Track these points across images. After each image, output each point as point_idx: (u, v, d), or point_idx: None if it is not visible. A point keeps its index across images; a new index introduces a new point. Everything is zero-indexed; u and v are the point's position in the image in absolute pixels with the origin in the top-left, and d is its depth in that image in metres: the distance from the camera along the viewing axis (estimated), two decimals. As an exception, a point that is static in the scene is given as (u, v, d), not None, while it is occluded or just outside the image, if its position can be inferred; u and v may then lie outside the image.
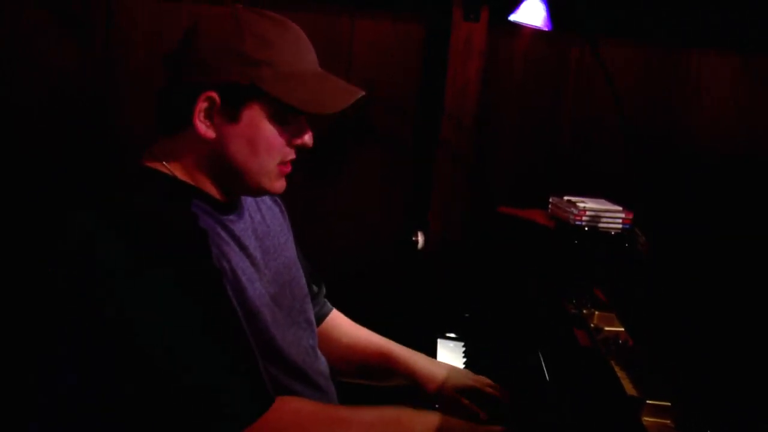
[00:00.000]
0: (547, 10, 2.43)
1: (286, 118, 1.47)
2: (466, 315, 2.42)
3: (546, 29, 2.54)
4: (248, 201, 1.64)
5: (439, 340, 2.37)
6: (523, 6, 2.54)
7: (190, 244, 1.38)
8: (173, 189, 1.47)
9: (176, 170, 1.48)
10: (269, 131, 1.46)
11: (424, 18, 2.92)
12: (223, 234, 1.49)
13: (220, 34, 1.45)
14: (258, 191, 1.54)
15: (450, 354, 2.27)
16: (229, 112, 1.43)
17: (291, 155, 1.51)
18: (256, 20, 1.47)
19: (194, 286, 1.35)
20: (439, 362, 1.95)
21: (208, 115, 1.43)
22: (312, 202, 2.95)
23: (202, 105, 1.42)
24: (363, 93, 1.51)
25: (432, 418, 1.52)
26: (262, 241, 1.61)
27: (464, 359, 2.22)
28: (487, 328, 2.35)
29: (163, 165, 1.48)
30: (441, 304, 2.51)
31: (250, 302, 1.49)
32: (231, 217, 1.54)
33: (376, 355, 1.88)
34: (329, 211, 2.99)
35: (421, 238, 2.96)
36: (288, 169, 1.52)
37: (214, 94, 1.42)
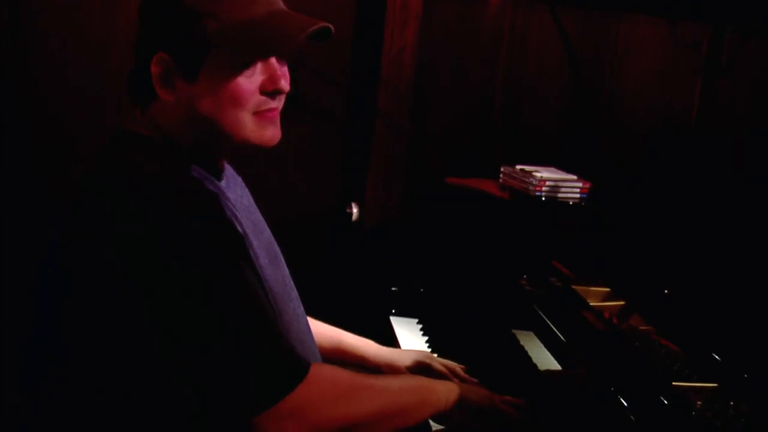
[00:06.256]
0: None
1: (247, 66, 1.37)
2: (421, 290, 2.35)
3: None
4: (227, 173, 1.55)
5: (392, 318, 2.30)
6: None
7: (208, 209, 1.30)
8: (171, 153, 1.38)
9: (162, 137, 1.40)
10: (232, 84, 1.36)
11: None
12: (224, 201, 1.40)
13: None
14: (245, 145, 1.42)
15: (407, 331, 2.20)
16: (186, 72, 1.36)
17: (267, 104, 1.40)
18: None
19: (223, 256, 1.27)
20: (395, 350, 1.93)
21: (166, 79, 1.36)
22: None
23: (156, 69, 1.36)
24: (323, 25, 1.41)
25: (449, 383, 1.59)
26: (248, 215, 1.52)
27: (422, 335, 2.16)
28: (443, 304, 2.30)
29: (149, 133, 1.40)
30: (389, 280, 2.41)
31: (261, 271, 1.40)
32: (222, 184, 1.46)
33: (329, 347, 1.87)
34: (259, 186, 2.83)
35: (355, 210, 2.86)
36: (272, 115, 1.42)
37: (165, 56, 1.35)
